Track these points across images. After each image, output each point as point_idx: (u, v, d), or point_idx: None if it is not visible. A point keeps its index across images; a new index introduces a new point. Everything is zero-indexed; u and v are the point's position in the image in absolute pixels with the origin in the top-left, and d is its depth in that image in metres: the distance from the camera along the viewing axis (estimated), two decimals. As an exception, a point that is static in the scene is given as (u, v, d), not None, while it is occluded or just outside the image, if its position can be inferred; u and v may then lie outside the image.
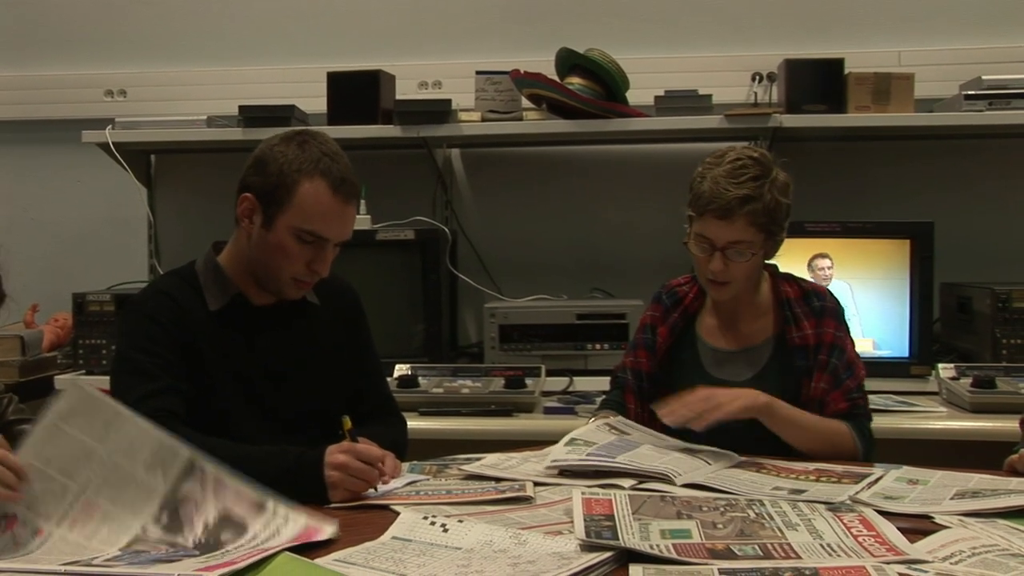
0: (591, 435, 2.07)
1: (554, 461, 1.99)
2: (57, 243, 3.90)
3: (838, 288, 3.04)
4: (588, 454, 1.97)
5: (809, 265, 3.08)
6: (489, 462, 2.05)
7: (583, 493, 1.72)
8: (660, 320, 2.36)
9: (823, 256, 3.11)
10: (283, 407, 2.09)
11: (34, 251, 3.85)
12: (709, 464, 1.98)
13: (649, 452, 2.01)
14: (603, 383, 2.59)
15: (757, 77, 3.51)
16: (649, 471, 1.90)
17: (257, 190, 2.03)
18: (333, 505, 1.79)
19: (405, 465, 2.05)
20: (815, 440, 2.12)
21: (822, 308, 2.26)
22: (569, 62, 3.29)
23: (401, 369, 3.03)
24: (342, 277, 2.29)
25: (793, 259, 2.31)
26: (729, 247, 2.16)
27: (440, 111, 3.31)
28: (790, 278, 2.33)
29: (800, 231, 2.84)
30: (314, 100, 3.39)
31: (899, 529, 1.57)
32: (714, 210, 2.15)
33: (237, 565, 1.40)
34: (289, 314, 2.14)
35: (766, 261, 2.27)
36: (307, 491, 1.80)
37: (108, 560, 1.49)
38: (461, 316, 3.66)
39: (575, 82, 3.25)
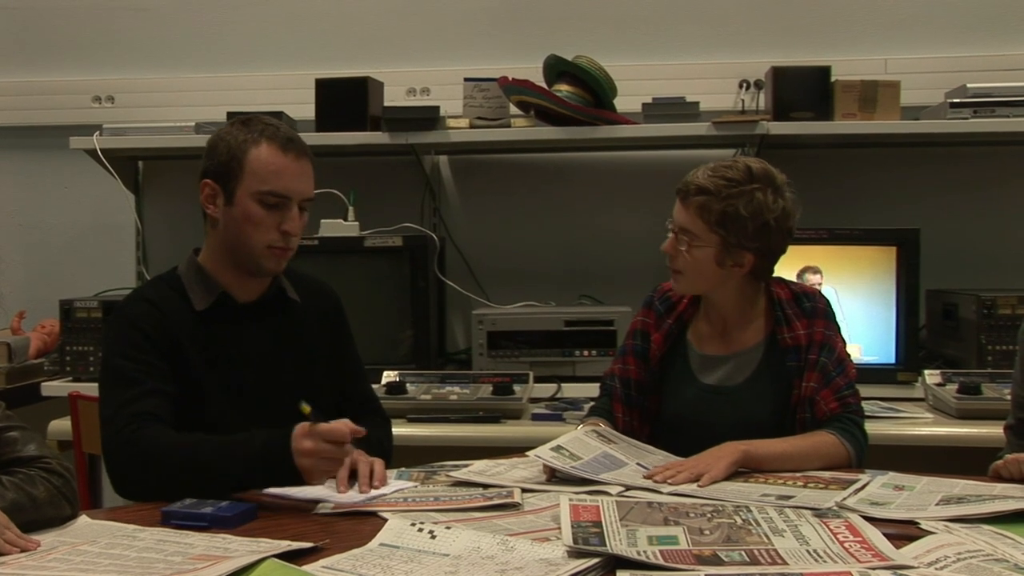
0: (577, 446, 2.07)
1: (537, 455, 2.00)
2: (44, 249, 3.89)
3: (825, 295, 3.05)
4: (572, 467, 1.98)
5: (799, 278, 3.09)
6: (477, 469, 2.06)
7: (570, 499, 1.73)
8: (653, 327, 2.35)
9: (814, 271, 3.11)
10: (269, 401, 2.11)
11: (21, 258, 3.84)
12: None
13: (633, 472, 2.01)
14: (591, 390, 2.59)
15: (744, 84, 3.53)
16: (634, 486, 1.91)
17: (213, 173, 2.08)
18: (321, 512, 1.80)
19: (393, 472, 2.05)
20: (804, 462, 2.09)
21: (813, 308, 2.26)
22: (557, 69, 3.30)
23: (389, 376, 3.03)
24: (322, 279, 2.31)
25: (783, 270, 2.31)
26: (680, 232, 2.20)
27: (428, 118, 3.31)
28: (780, 281, 2.33)
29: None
30: (302, 107, 3.39)
31: (885, 535, 1.57)
32: (678, 190, 2.23)
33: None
34: (273, 310, 2.17)
35: (752, 275, 2.25)
36: (282, 477, 1.83)
37: None
38: (449, 323, 3.66)
39: (563, 89, 3.26)
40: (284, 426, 2.08)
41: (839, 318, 2.33)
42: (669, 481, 1.93)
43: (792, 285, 2.33)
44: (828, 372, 2.21)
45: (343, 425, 1.86)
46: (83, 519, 1.76)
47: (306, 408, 1.90)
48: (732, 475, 1.99)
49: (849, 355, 2.28)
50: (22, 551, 1.57)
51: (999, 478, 1.97)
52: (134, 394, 1.98)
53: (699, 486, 1.92)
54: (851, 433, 2.17)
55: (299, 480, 1.83)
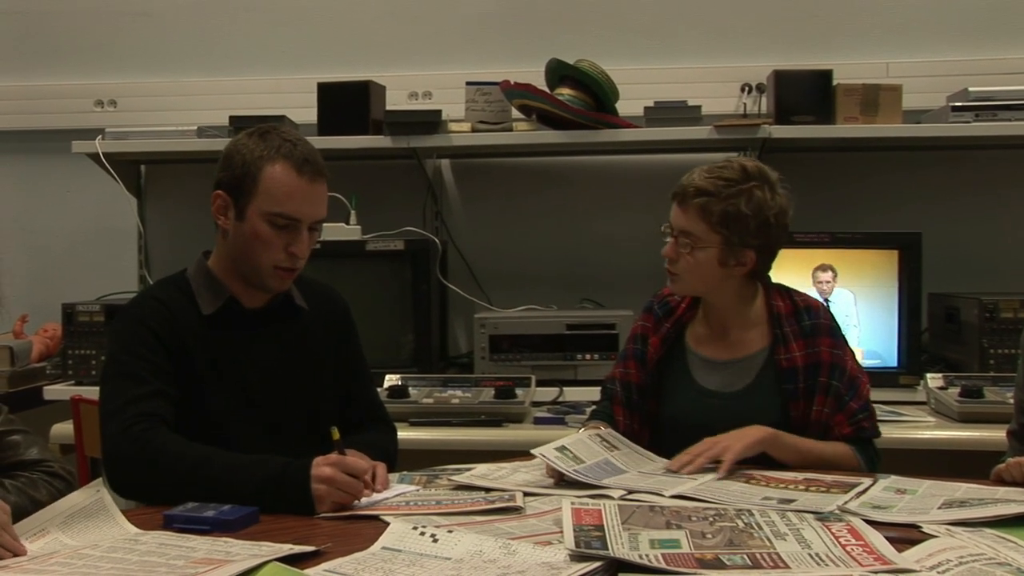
0: (581, 448, 2.07)
1: (541, 454, 2.00)
2: (47, 253, 3.89)
3: (841, 297, 3.05)
4: (575, 470, 1.98)
5: (812, 276, 3.09)
6: (479, 472, 2.05)
7: (572, 503, 1.72)
8: (651, 331, 2.35)
9: (825, 268, 3.11)
10: (275, 408, 2.11)
11: (24, 261, 3.84)
12: (696, 479, 1.98)
13: (635, 477, 2.00)
14: (593, 393, 2.59)
15: (746, 88, 3.53)
16: (636, 489, 1.90)
17: (226, 185, 2.06)
18: (323, 515, 1.79)
19: (395, 475, 2.05)
20: (819, 465, 2.11)
21: (813, 327, 2.25)
22: (559, 73, 3.30)
23: (391, 379, 3.03)
24: (331, 286, 2.30)
25: (793, 270, 2.30)
26: (680, 235, 2.21)
27: (430, 121, 3.32)
28: (782, 290, 2.33)
29: (790, 241, 2.85)
30: (304, 110, 3.39)
31: (887, 538, 1.57)
32: (675, 194, 2.23)
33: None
34: (281, 317, 2.16)
35: (749, 275, 2.26)
36: (294, 502, 1.81)
37: None
38: (451, 326, 3.67)
39: (565, 93, 3.26)
40: (285, 432, 2.08)
41: (853, 322, 2.31)
42: (686, 469, 1.98)
43: (795, 296, 2.32)
44: (841, 396, 2.21)
45: (365, 461, 1.90)
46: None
47: (336, 434, 1.91)
48: (735, 476, 1.99)
49: (861, 370, 2.27)
50: (13, 555, 1.56)
51: (1001, 482, 1.96)
52: (142, 393, 1.97)
53: (721, 471, 1.97)
54: (866, 453, 2.21)
55: (307, 508, 1.80)
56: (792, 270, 2.31)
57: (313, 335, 2.20)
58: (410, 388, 2.99)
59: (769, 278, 2.33)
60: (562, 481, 1.97)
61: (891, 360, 3.12)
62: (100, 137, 3.46)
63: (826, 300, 3.00)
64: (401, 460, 2.25)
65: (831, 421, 2.20)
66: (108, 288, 3.60)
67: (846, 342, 2.29)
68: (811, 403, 2.21)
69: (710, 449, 2.03)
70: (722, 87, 3.53)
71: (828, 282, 3.10)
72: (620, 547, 1.52)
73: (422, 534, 1.60)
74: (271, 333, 2.14)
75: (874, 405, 2.85)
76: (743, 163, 2.23)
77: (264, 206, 2.03)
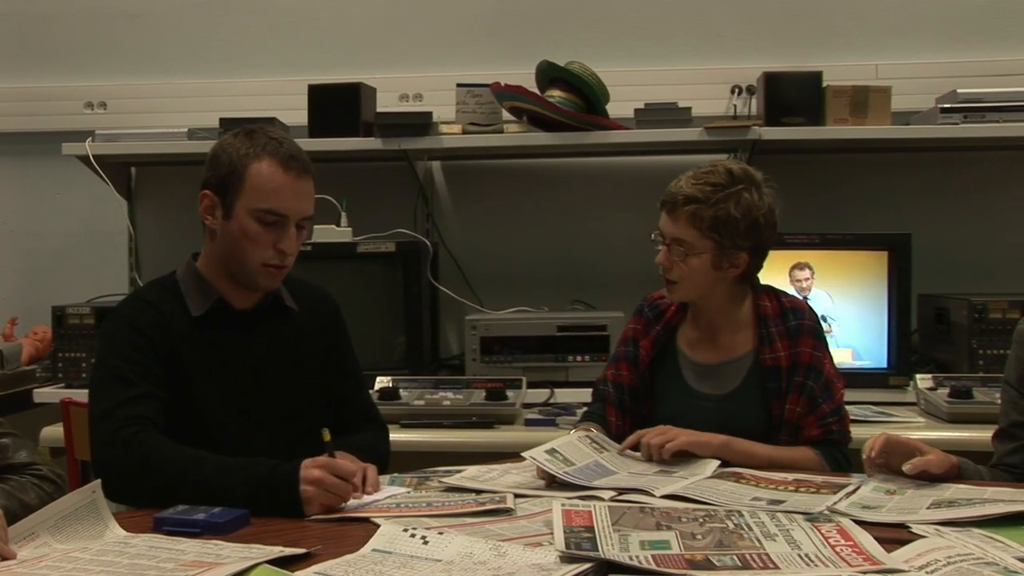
0: (570, 450, 2.08)
1: (531, 457, 2.00)
2: (37, 256, 3.88)
3: (818, 297, 3.06)
4: (565, 472, 1.98)
5: (789, 275, 3.10)
6: (470, 474, 2.06)
7: (563, 504, 1.72)
8: (642, 333, 2.36)
9: (802, 267, 3.12)
10: (265, 409, 2.11)
11: (13, 264, 3.84)
12: (687, 479, 1.98)
13: (625, 477, 2.01)
14: (584, 395, 2.60)
15: (736, 90, 3.54)
16: (627, 487, 1.91)
17: (213, 184, 2.07)
18: (313, 518, 1.79)
19: (386, 477, 2.05)
20: (780, 469, 2.10)
21: (798, 327, 2.25)
22: (550, 75, 3.31)
23: (382, 381, 3.03)
24: (322, 287, 2.31)
25: (773, 269, 2.31)
26: (673, 243, 2.21)
27: (421, 123, 3.32)
28: (770, 291, 2.33)
29: (779, 242, 2.85)
30: (295, 112, 3.39)
31: (876, 539, 1.58)
32: (664, 203, 2.24)
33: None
34: (270, 318, 2.16)
35: (741, 278, 2.27)
36: (283, 504, 1.81)
37: None
38: (442, 328, 3.67)
39: (556, 95, 3.27)
40: (275, 433, 2.08)
41: (832, 320, 2.33)
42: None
43: (782, 297, 2.32)
44: (815, 397, 2.21)
45: (354, 464, 1.90)
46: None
47: (327, 435, 1.91)
48: (723, 475, 2.00)
49: (838, 374, 2.28)
50: (2, 559, 1.56)
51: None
52: (131, 395, 1.97)
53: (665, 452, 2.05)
54: (833, 456, 2.20)
55: (296, 510, 1.80)
56: (770, 268, 2.32)
57: (303, 336, 2.20)
58: (401, 390, 2.99)
59: (758, 280, 2.33)
60: (553, 483, 1.97)
61: (881, 361, 3.12)
62: (90, 139, 3.45)
63: (804, 298, 3.01)
64: (392, 462, 2.25)
65: (802, 422, 2.21)
66: (98, 290, 3.60)
67: (826, 345, 2.29)
68: (782, 402, 2.22)
69: (662, 435, 2.09)
70: (712, 89, 3.54)
71: (807, 280, 3.11)
72: (610, 548, 1.53)
73: (412, 536, 1.60)
74: (261, 334, 2.14)
75: (864, 406, 2.88)
76: (728, 166, 2.24)
77: (252, 203, 2.03)
